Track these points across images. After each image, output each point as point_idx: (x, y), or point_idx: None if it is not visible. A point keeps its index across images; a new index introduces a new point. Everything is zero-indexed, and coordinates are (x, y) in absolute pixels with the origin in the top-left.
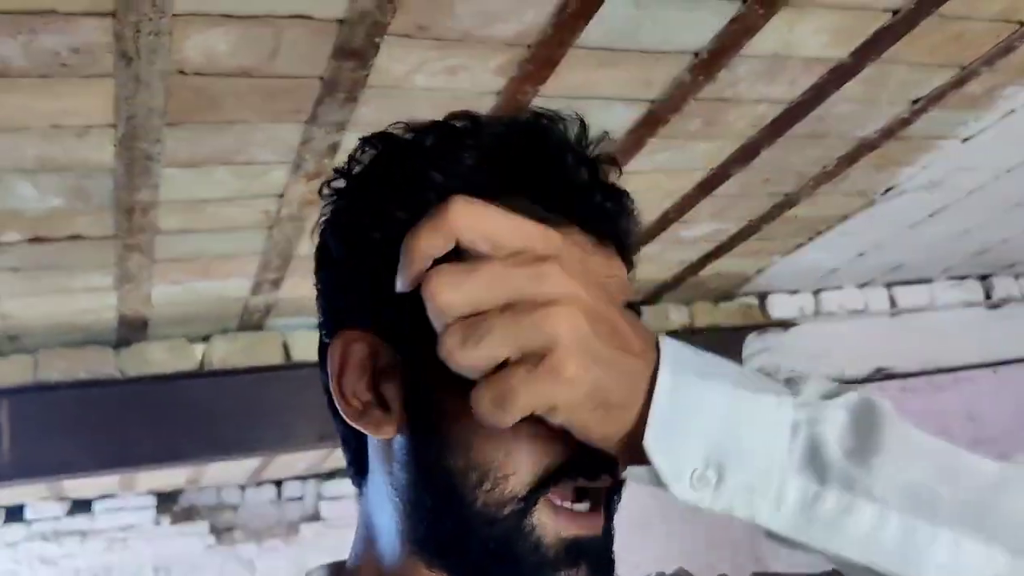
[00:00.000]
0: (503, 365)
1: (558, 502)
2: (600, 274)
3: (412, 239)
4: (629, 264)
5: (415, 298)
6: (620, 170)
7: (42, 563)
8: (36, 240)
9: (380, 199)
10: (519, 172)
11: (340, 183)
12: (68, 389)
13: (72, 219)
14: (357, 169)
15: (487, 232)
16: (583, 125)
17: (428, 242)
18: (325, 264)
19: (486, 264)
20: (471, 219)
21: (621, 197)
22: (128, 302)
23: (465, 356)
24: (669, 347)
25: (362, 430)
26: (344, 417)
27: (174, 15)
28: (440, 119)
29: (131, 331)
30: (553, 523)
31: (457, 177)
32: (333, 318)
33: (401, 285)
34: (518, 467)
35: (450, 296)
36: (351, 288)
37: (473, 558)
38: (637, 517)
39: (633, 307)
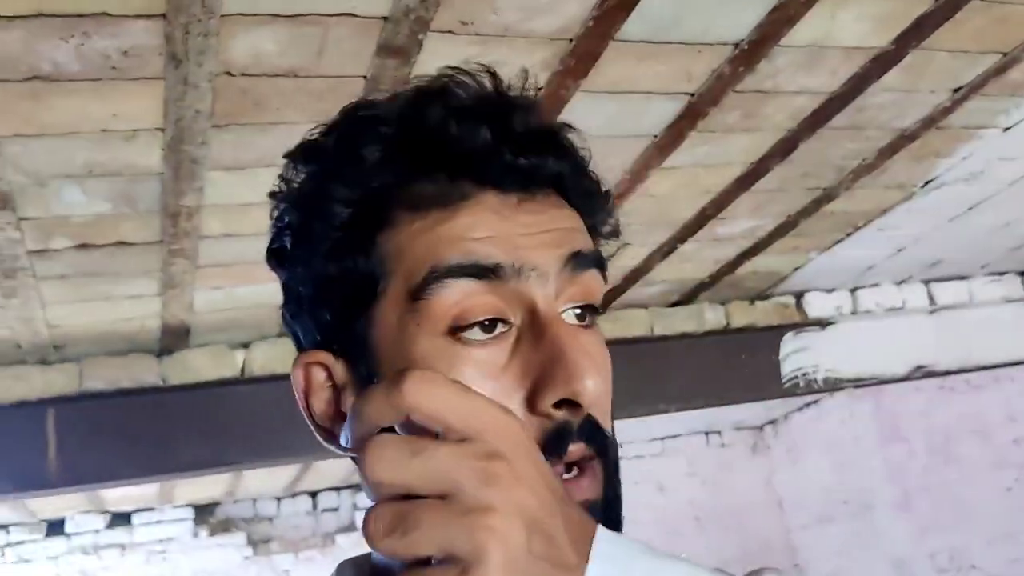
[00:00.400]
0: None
1: None
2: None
3: (362, 403)
4: (586, 195)
5: (359, 318)
6: (540, 108)
7: None
8: (83, 247)
9: (300, 222)
10: (420, 153)
11: (275, 208)
12: (112, 397)
13: (118, 225)
14: (285, 189)
15: (440, 413)
16: (494, 76)
17: (378, 412)
18: (282, 288)
19: (432, 448)
20: (425, 397)
21: (544, 139)
22: (171, 309)
23: (388, 544)
24: (599, 560)
25: (335, 450)
26: (319, 438)
27: (222, 16)
28: (339, 116)
29: (174, 339)
30: None
31: (360, 185)
32: (296, 341)
33: (345, 442)
34: None
35: (388, 475)
36: (298, 312)
37: None
38: (671, 523)
39: (584, 256)
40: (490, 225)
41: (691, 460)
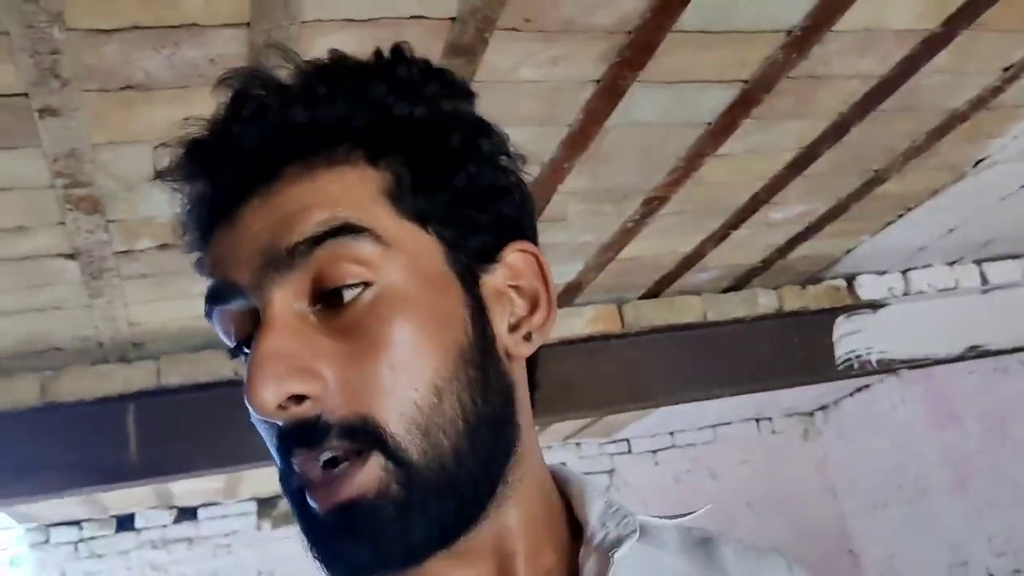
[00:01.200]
0: None
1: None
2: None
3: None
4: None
5: None
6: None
7: (152, 570)
8: (164, 247)
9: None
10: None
11: None
12: (189, 392)
13: None
14: None
15: None
16: (236, 101)
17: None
18: None
19: None
20: None
21: (237, 133)
22: None
23: None
24: None
25: None
26: None
27: (302, 22)
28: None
29: None
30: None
31: (185, 212)
32: None
33: None
34: None
35: None
36: None
37: None
38: (724, 510)
39: (279, 252)
40: (212, 255)
41: (742, 447)
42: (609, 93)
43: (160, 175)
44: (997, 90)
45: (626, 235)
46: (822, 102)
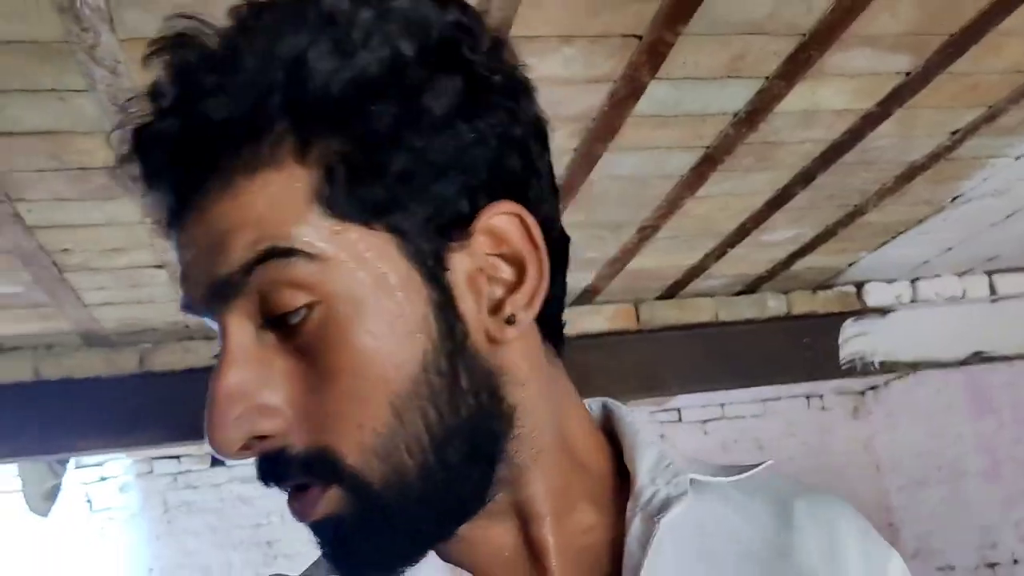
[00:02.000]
0: None
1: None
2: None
3: None
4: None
5: None
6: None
7: (241, 502)
8: None
9: None
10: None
11: None
12: None
13: None
14: None
15: None
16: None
17: None
18: None
19: None
20: None
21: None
22: None
23: None
24: None
25: None
26: None
27: None
28: None
29: None
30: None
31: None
32: None
33: None
34: None
35: None
36: None
37: None
38: None
39: (220, 282)
40: (178, 256)
41: (791, 421)
42: (586, 159)
43: (115, 167)
44: (950, 148)
45: (628, 253)
46: (782, 158)
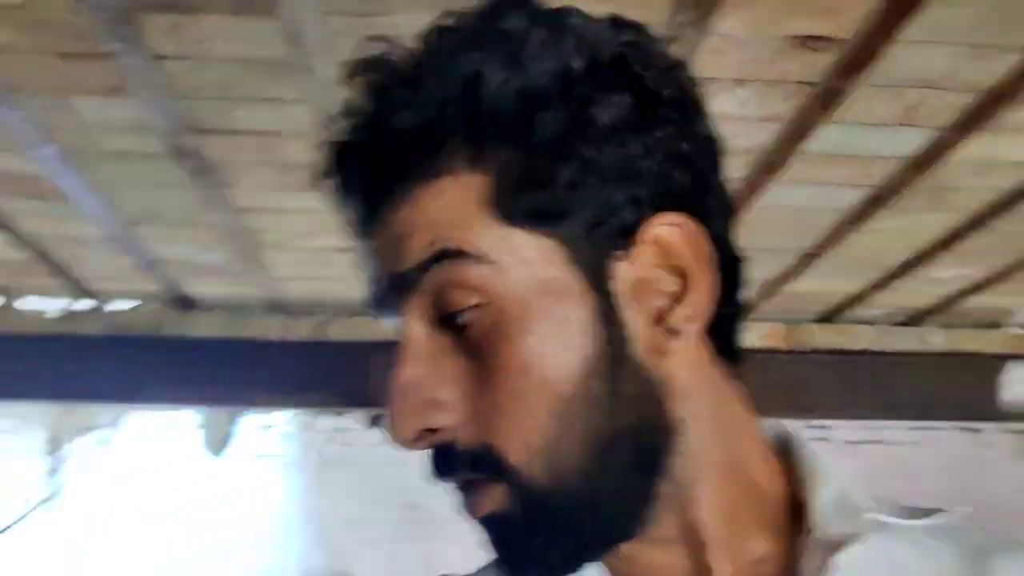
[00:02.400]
0: None
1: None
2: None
3: None
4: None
5: None
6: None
7: (391, 465)
8: None
9: None
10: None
11: None
12: None
13: None
14: None
15: None
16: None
17: None
18: None
19: None
20: None
21: (377, 135)
22: None
23: None
24: None
25: None
26: None
27: None
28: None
29: None
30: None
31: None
32: None
33: None
34: None
35: None
36: None
37: None
38: None
39: (400, 275)
40: (371, 255)
41: (948, 455)
42: (752, 189)
43: (319, 178)
44: None
45: (785, 277)
46: (953, 201)
